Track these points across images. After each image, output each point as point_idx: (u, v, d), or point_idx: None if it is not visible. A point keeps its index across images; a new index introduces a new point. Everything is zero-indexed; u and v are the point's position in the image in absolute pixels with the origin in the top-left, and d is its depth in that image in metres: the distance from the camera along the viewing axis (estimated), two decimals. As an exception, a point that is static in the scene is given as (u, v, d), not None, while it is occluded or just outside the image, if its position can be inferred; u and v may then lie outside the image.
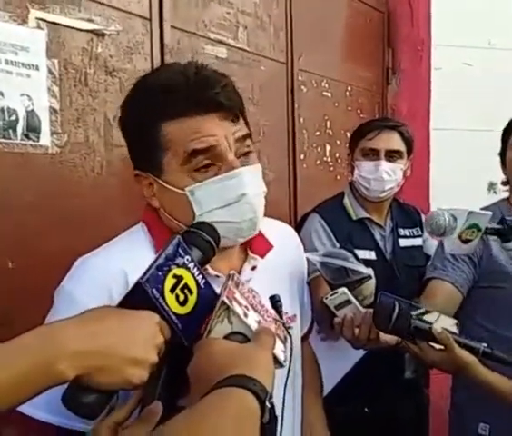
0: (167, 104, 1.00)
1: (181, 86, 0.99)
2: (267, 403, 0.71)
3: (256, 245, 1.16)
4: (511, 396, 1.31)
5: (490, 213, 1.39)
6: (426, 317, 1.25)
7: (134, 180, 1.09)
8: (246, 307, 0.86)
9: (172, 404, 0.83)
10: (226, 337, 0.82)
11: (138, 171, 1.07)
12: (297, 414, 1.28)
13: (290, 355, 0.94)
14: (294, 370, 1.19)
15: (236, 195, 1.01)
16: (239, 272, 1.12)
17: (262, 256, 1.16)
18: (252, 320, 0.85)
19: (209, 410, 0.67)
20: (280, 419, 1.00)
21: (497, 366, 1.26)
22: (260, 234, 1.18)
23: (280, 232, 1.29)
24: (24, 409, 0.90)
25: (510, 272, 1.66)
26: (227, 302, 0.82)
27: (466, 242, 1.37)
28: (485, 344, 1.23)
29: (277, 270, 1.21)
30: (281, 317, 0.98)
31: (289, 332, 0.95)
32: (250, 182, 1.02)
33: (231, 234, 1.04)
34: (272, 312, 0.97)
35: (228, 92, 1.02)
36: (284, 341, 0.91)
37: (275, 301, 1.00)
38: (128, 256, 0.99)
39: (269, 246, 1.19)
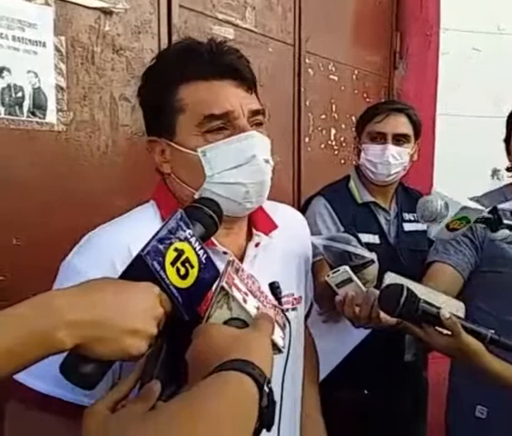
0: (185, 67, 1.04)
1: (199, 51, 1.04)
2: (265, 388, 0.71)
3: (260, 224, 1.17)
4: None
5: (483, 208, 1.39)
6: (434, 301, 1.24)
7: (147, 147, 1.10)
8: (245, 293, 0.86)
9: (171, 384, 0.84)
10: (225, 323, 0.82)
11: (152, 136, 1.09)
12: (297, 398, 1.28)
13: (289, 341, 0.95)
14: (296, 354, 1.19)
15: (246, 157, 1.03)
16: (244, 251, 1.13)
17: (266, 234, 1.17)
18: (251, 306, 0.85)
19: (207, 393, 0.67)
20: (279, 403, 1.00)
21: (502, 352, 1.25)
22: (265, 214, 1.20)
23: (285, 215, 1.30)
24: (28, 381, 0.92)
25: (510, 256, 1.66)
26: (226, 287, 0.82)
27: (452, 230, 1.38)
28: (492, 331, 1.22)
29: (283, 251, 1.21)
30: (281, 303, 0.98)
31: (287, 318, 0.95)
32: (259, 146, 1.05)
33: (239, 198, 1.05)
34: (272, 298, 0.97)
35: (244, 62, 1.07)
36: (283, 328, 0.91)
37: (274, 287, 1.01)
38: (135, 232, 0.98)
39: (273, 226, 1.19)
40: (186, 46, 1.07)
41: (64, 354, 0.72)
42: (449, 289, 1.63)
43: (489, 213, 1.41)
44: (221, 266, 0.88)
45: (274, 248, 1.17)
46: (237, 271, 0.90)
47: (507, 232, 1.39)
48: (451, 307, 1.28)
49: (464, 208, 1.33)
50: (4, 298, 1.32)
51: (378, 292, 1.46)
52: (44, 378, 0.91)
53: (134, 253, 0.92)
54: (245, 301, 0.84)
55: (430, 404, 2.24)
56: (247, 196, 1.06)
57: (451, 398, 1.92)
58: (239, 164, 1.03)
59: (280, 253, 1.20)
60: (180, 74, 1.04)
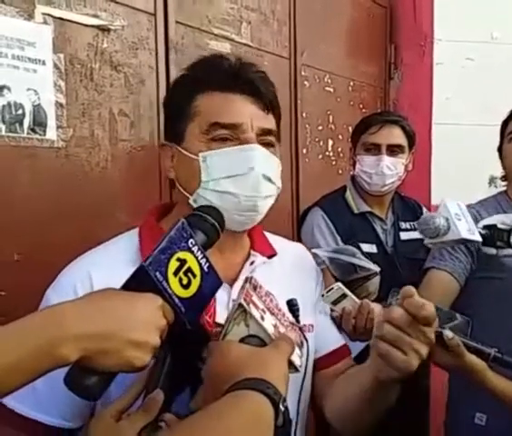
0: (206, 77, 1.07)
1: (222, 64, 1.07)
2: (281, 406, 0.71)
3: (259, 245, 1.17)
4: None
5: (480, 240, 1.42)
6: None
7: (160, 152, 1.13)
8: (263, 310, 0.86)
9: (173, 395, 0.85)
10: (242, 340, 0.82)
11: (165, 141, 1.12)
12: (305, 416, 1.25)
13: (307, 360, 0.95)
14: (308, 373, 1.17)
15: (243, 168, 1.01)
16: (239, 272, 1.11)
17: (265, 256, 1.15)
18: (269, 323, 0.84)
19: (223, 412, 0.68)
20: (294, 422, 0.99)
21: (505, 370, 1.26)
22: (266, 239, 1.20)
23: (291, 249, 1.28)
24: (14, 406, 0.93)
25: (506, 263, 1.67)
26: (244, 304, 0.82)
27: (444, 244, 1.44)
28: (495, 349, 1.23)
29: (281, 277, 1.15)
30: (298, 321, 0.97)
31: (305, 337, 0.95)
32: (261, 161, 1.03)
33: (230, 208, 1.03)
34: (289, 315, 0.96)
35: (264, 81, 1.08)
36: (301, 346, 0.91)
37: (292, 304, 0.99)
38: (99, 261, 1.02)
39: (272, 251, 1.18)
40: (212, 58, 1.11)
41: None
42: (446, 295, 1.64)
43: (485, 228, 1.44)
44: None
45: (270, 271, 1.13)
46: (255, 288, 0.89)
47: (493, 251, 1.44)
48: (457, 324, 1.30)
49: (463, 240, 1.37)
50: (4, 313, 1.32)
51: (372, 304, 1.49)
52: (23, 400, 0.92)
53: (94, 281, 0.95)
54: (263, 318, 0.84)
55: (432, 411, 2.24)
56: (238, 208, 1.03)
57: (450, 405, 1.91)
58: (235, 175, 1.01)
59: (276, 276, 1.13)
60: (200, 84, 1.06)
